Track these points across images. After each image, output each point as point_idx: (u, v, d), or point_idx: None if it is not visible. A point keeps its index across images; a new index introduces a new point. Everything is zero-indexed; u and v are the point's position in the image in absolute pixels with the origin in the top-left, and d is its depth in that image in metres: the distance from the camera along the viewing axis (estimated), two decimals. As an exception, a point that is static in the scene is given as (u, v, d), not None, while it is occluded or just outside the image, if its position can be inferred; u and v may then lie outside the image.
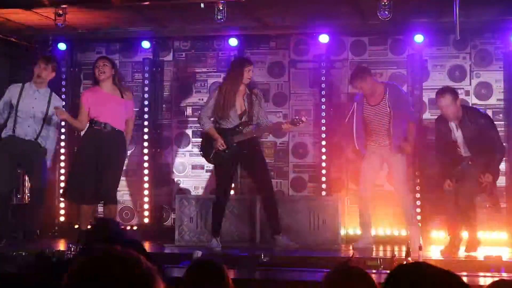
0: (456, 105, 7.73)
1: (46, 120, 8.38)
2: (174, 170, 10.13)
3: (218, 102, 8.12)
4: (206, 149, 8.29)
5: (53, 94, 8.57)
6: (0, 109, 8.43)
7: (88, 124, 8.34)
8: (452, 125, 7.86)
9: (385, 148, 8.35)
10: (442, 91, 7.81)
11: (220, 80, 9.71)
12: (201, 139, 8.64)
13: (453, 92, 7.80)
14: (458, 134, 7.87)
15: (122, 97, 8.31)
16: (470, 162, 7.90)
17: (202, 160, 9.54)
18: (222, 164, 8.25)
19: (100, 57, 8.71)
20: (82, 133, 8.56)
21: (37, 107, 8.38)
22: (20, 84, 8.50)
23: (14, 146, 8.35)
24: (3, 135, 8.46)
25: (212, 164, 8.53)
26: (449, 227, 7.99)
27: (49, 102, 8.43)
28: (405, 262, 5.15)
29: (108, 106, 8.21)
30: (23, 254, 7.65)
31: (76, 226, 9.30)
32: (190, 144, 10.06)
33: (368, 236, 8.45)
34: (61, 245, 8.34)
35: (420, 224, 8.98)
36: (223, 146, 8.09)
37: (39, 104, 8.40)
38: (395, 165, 8.37)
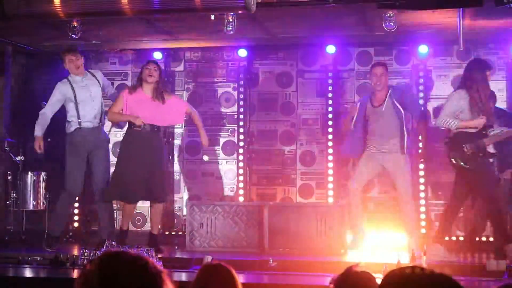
0: None
1: (101, 97, 8.61)
2: (185, 177, 10.16)
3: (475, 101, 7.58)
4: (459, 153, 7.64)
5: (96, 73, 8.76)
6: (55, 107, 8.54)
7: (127, 125, 8.40)
8: None
9: (385, 153, 8.28)
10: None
11: (230, 89, 9.80)
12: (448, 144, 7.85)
13: None
14: None
15: (163, 102, 8.32)
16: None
17: (212, 168, 9.60)
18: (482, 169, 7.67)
19: (151, 60, 8.77)
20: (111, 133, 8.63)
21: (93, 91, 8.55)
22: (65, 80, 8.60)
23: (82, 139, 8.47)
24: (69, 130, 8.53)
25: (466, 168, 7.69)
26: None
27: (98, 81, 8.64)
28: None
29: (148, 108, 8.26)
30: (38, 259, 7.69)
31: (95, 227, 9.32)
32: (201, 152, 10.08)
33: (361, 237, 8.42)
34: (75, 250, 8.37)
35: (425, 230, 9.00)
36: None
37: (93, 88, 8.57)
38: (398, 171, 8.29)
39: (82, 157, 8.50)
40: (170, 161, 10.12)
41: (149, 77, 8.27)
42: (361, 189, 8.54)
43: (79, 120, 8.46)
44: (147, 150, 8.26)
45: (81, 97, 8.48)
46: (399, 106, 8.18)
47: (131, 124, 8.29)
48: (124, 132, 8.54)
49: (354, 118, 8.41)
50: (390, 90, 8.30)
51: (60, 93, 8.53)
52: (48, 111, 8.54)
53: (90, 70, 8.80)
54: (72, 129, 8.50)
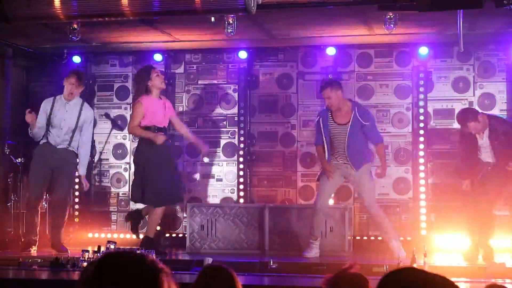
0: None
1: (77, 129, 8.53)
2: (184, 178, 10.14)
3: None
4: None
5: (85, 104, 8.72)
6: (40, 124, 8.54)
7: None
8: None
9: (345, 166, 8.21)
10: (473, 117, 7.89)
11: (230, 91, 9.80)
12: None
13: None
14: (483, 141, 7.92)
15: (164, 104, 8.46)
16: (489, 168, 7.94)
17: (212, 170, 9.59)
18: None
19: (152, 66, 8.79)
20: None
21: (68, 119, 8.53)
22: (52, 98, 8.66)
23: (48, 152, 8.50)
24: (40, 142, 8.61)
25: None
26: (470, 233, 8.01)
27: (80, 111, 8.58)
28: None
29: (161, 113, 8.33)
30: (39, 261, 7.68)
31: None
32: (200, 154, 10.07)
33: (318, 246, 8.39)
34: (75, 252, 8.36)
35: (425, 232, 9.01)
36: None
37: (70, 116, 8.55)
38: (361, 184, 8.24)
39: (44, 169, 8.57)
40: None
41: (162, 83, 8.34)
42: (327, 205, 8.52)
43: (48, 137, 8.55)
44: (167, 153, 8.45)
45: (54, 121, 8.53)
46: (362, 121, 8.14)
47: (149, 129, 8.25)
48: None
49: (323, 134, 8.26)
50: (355, 109, 8.19)
51: (42, 109, 8.61)
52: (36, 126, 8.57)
53: (84, 104, 8.72)
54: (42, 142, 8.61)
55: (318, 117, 8.41)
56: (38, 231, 8.59)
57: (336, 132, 8.19)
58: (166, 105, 8.49)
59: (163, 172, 8.24)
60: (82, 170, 8.72)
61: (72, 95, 8.56)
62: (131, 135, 8.70)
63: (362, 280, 3.18)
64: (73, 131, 8.54)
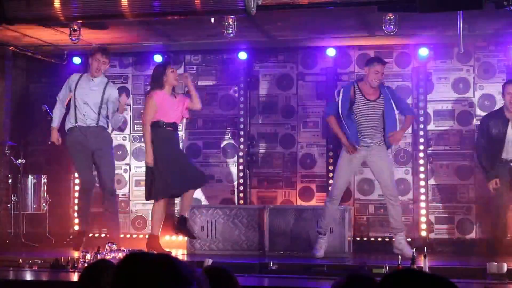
0: None
1: (102, 107, 8.57)
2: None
3: None
4: None
5: (110, 83, 8.77)
6: (61, 96, 8.66)
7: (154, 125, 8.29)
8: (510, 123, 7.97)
9: (369, 148, 8.01)
10: None
11: (230, 92, 9.79)
12: None
13: None
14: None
15: (177, 100, 8.37)
16: None
17: (212, 171, 9.60)
18: None
19: (168, 62, 8.89)
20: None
21: (92, 97, 8.57)
22: (80, 74, 8.76)
23: (80, 135, 8.54)
24: (67, 126, 8.63)
25: None
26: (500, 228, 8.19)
27: (104, 90, 8.61)
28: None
29: (174, 107, 8.29)
30: (39, 262, 7.68)
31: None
32: (202, 155, 10.07)
33: (326, 241, 8.33)
34: (75, 253, 8.36)
35: (425, 233, 9.01)
36: None
37: (94, 94, 8.59)
38: (382, 165, 8.04)
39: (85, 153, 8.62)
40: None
41: (175, 80, 8.29)
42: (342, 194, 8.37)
43: (76, 118, 8.57)
44: (177, 145, 8.57)
45: (79, 95, 8.57)
46: (392, 104, 8.04)
47: (157, 124, 8.23)
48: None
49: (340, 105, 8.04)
50: (383, 87, 8.10)
51: (66, 83, 8.71)
52: (59, 98, 8.72)
53: (109, 83, 8.78)
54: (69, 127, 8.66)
55: (342, 88, 8.11)
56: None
57: (369, 107, 7.97)
58: (179, 100, 8.40)
59: (170, 165, 8.21)
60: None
61: (99, 71, 8.60)
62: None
63: (373, 283, 3.17)
64: (99, 108, 8.57)
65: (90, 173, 8.70)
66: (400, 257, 6.84)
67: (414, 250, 6.75)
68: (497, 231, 8.37)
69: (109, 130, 8.91)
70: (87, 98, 8.55)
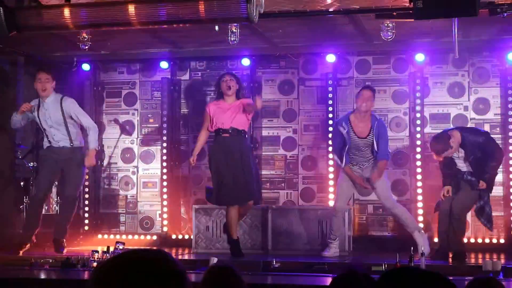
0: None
1: (68, 123, 8.44)
2: (191, 181, 10.17)
3: None
4: None
5: (64, 97, 8.55)
6: (26, 117, 8.54)
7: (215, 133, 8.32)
8: None
9: (364, 166, 8.34)
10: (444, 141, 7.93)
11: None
12: None
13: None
14: (461, 155, 7.99)
15: (239, 107, 8.23)
16: (468, 177, 7.98)
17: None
18: None
19: (227, 72, 8.80)
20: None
21: (53, 116, 8.43)
22: (36, 100, 8.58)
23: (53, 154, 8.49)
24: (44, 145, 8.65)
25: None
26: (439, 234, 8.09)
27: (61, 105, 8.44)
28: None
29: (231, 114, 8.20)
30: (50, 261, 7.70)
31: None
32: (206, 157, 10.07)
33: (337, 245, 8.42)
34: (86, 253, 8.37)
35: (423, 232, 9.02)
36: None
37: (53, 112, 8.44)
38: (377, 184, 8.27)
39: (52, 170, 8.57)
40: (177, 166, 10.14)
41: (227, 89, 8.23)
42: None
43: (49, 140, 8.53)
44: (232, 154, 8.20)
45: (42, 120, 8.48)
46: (377, 137, 8.19)
47: (218, 131, 8.25)
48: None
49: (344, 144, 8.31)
50: (375, 124, 8.24)
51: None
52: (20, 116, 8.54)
53: (63, 97, 8.55)
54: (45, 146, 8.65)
55: (337, 125, 8.45)
56: (36, 232, 8.52)
57: (358, 144, 8.27)
58: (236, 105, 8.27)
59: (219, 173, 8.20)
60: (92, 144, 8.50)
61: (46, 91, 8.41)
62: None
63: (369, 279, 3.17)
64: (66, 127, 8.44)
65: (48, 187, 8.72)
66: (398, 254, 6.83)
67: (428, 251, 6.73)
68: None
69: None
70: (49, 121, 8.45)
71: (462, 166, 8.06)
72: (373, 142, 8.19)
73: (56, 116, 8.43)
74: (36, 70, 8.64)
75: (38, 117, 8.47)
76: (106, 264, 1.90)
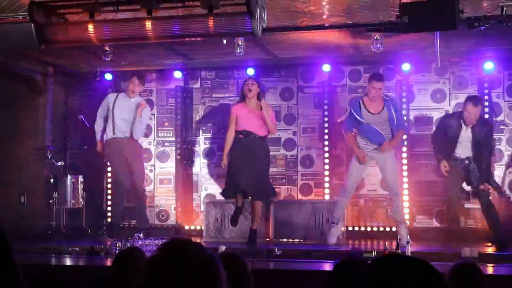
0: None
1: (135, 121, 8.76)
2: (202, 178, 10.17)
3: None
4: None
5: (144, 109, 8.88)
6: (100, 115, 8.93)
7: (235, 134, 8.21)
8: (464, 126, 7.89)
9: (376, 150, 8.04)
10: (478, 101, 7.88)
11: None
12: None
13: (483, 104, 8.02)
14: (466, 134, 7.89)
15: (260, 113, 8.09)
16: (467, 162, 7.94)
17: (225, 171, 9.63)
18: None
19: (250, 77, 8.81)
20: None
21: (128, 113, 8.77)
22: (116, 94, 9.02)
23: (116, 143, 8.75)
24: (106, 137, 8.84)
25: None
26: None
27: (135, 111, 8.79)
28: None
29: (252, 119, 8.10)
30: (77, 249, 7.71)
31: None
32: (216, 156, 10.08)
33: (340, 228, 8.36)
34: (108, 242, 8.38)
35: (408, 222, 8.99)
36: None
37: (130, 111, 8.78)
38: (386, 165, 8.07)
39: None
40: (189, 164, 10.13)
41: (248, 92, 8.12)
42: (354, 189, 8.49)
43: (114, 131, 8.76)
44: (248, 155, 8.05)
45: (117, 113, 8.78)
46: (393, 115, 8.04)
47: (237, 133, 8.17)
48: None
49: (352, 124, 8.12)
50: (386, 101, 8.10)
51: (105, 101, 8.97)
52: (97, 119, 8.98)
53: (143, 101, 9.00)
54: (108, 138, 8.83)
55: (350, 107, 8.29)
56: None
57: (370, 121, 8.01)
58: (258, 112, 8.13)
59: (232, 167, 8.11)
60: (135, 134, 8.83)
61: (134, 93, 8.83)
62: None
63: (366, 265, 3.17)
64: (132, 123, 8.76)
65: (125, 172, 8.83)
66: (386, 243, 6.82)
67: (409, 240, 6.70)
68: (449, 220, 8.32)
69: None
70: (122, 115, 8.80)
71: (461, 152, 7.99)
72: (387, 117, 7.96)
73: (130, 114, 8.81)
74: (131, 74, 9.05)
75: (113, 109, 8.80)
76: (159, 257, 1.92)
